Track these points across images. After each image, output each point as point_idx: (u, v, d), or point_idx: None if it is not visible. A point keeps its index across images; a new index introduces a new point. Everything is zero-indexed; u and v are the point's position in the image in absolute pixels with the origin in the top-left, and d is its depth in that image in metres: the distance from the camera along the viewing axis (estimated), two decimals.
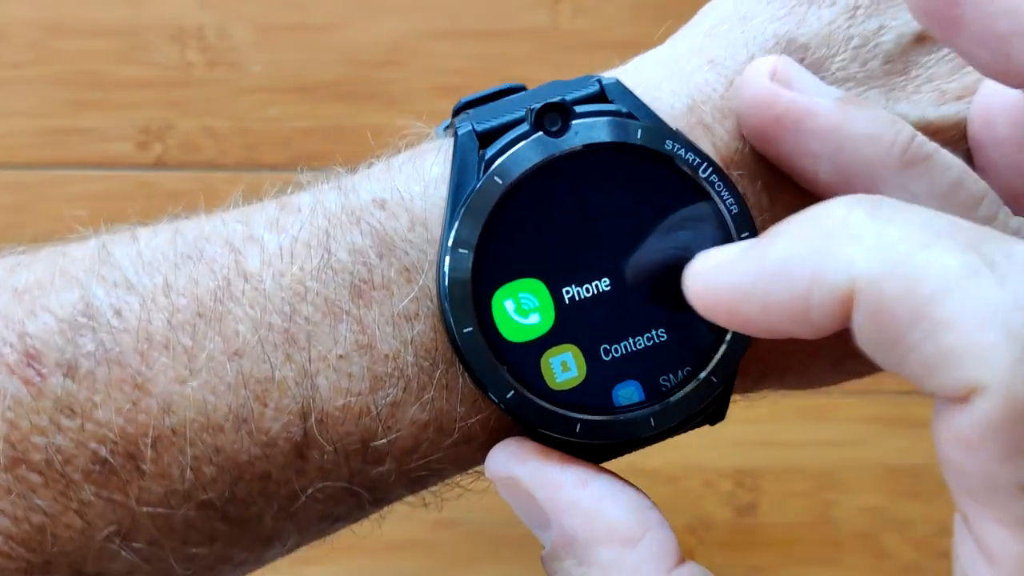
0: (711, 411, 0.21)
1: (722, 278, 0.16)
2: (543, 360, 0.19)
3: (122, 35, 0.63)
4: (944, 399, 0.14)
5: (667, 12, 0.64)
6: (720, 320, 0.16)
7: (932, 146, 0.19)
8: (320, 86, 0.63)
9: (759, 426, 0.57)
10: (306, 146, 0.63)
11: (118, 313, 0.19)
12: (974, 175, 0.19)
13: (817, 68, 0.22)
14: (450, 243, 0.19)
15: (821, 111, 0.19)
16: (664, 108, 0.22)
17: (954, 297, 0.13)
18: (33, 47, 0.63)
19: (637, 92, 0.22)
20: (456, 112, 0.22)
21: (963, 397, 0.13)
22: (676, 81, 0.22)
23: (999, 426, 0.13)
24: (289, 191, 0.22)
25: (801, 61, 0.22)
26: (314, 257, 0.20)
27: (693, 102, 0.22)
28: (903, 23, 0.22)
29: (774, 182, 0.21)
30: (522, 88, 0.22)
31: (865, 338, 0.14)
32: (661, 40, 0.25)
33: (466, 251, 0.19)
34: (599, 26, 0.64)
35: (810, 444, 0.63)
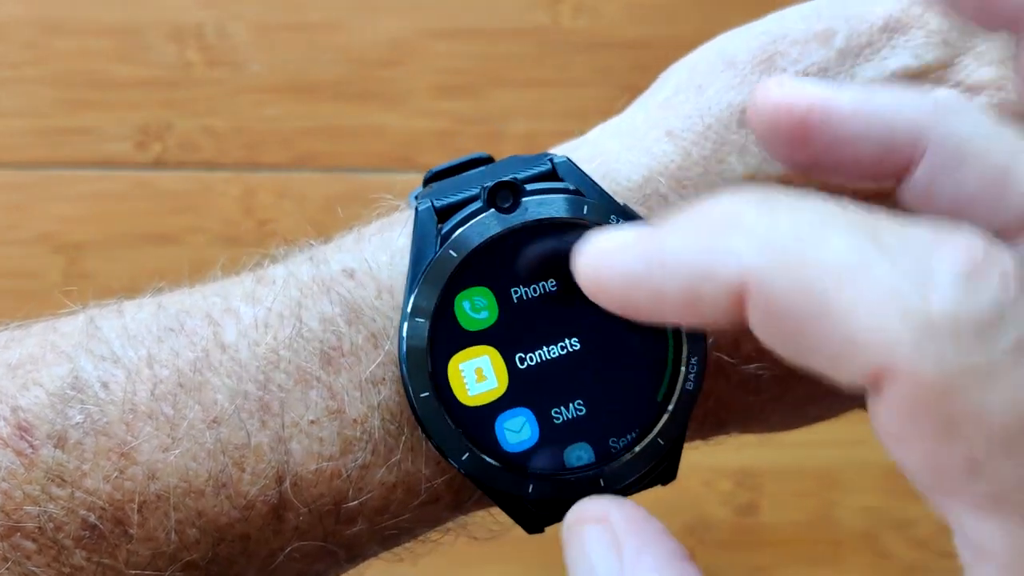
0: (661, 470, 0.22)
1: (613, 263, 0.16)
2: (497, 423, 0.20)
3: (121, 34, 0.63)
4: (855, 389, 0.13)
5: (667, 12, 0.65)
6: (609, 305, 0.16)
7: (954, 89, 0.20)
8: (320, 86, 0.63)
9: None
10: (305, 146, 0.63)
11: (105, 386, 0.20)
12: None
13: None
14: (408, 311, 0.20)
15: (844, 94, 0.19)
16: (621, 179, 0.22)
17: (847, 284, 0.13)
18: (32, 47, 0.63)
19: (596, 163, 0.23)
20: (427, 180, 0.23)
21: (874, 385, 0.13)
22: (634, 152, 0.23)
23: (917, 409, 0.13)
24: (266, 264, 0.23)
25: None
26: (287, 327, 0.21)
27: (650, 173, 0.22)
28: None
29: None
30: (488, 158, 0.23)
31: (763, 333, 0.14)
32: (620, 111, 0.25)
33: (423, 319, 0.20)
34: (599, 26, 0.64)
35: (810, 444, 0.63)
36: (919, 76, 0.22)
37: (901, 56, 0.23)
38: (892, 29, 0.23)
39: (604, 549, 0.18)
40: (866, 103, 0.18)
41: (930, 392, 0.12)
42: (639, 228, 0.16)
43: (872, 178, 0.19)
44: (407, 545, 0.23)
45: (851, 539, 0.62)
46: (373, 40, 0.64)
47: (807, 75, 0.23)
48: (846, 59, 0.23)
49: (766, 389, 0.23)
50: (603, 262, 0.16)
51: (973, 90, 0.23)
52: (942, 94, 0.19)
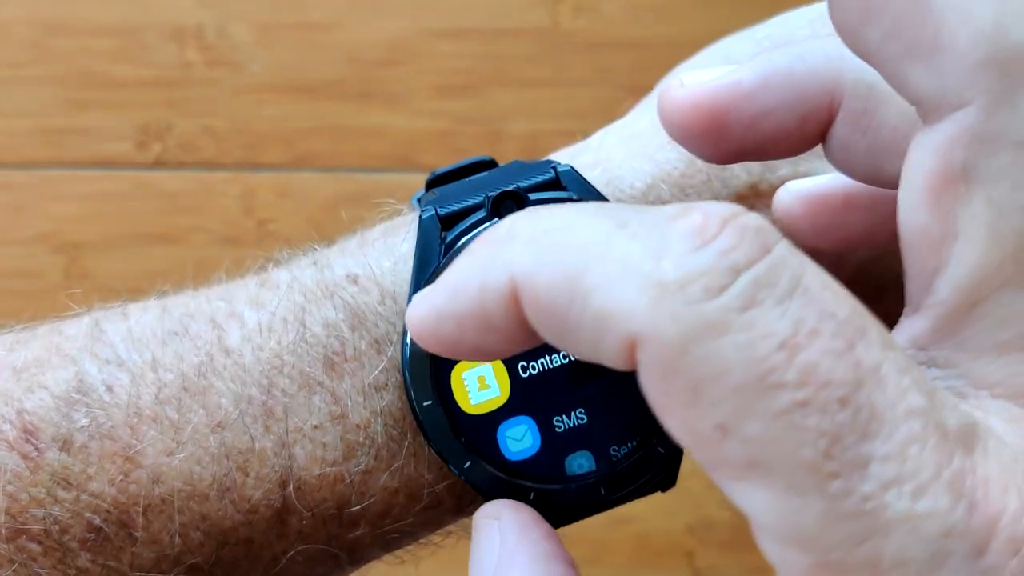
0: (661, 478, 0.22)
1: (424, 306, 0.16)
2: (499, 431, 0.21)
3: (121, 35, 0.63)
4: (624, 367, 0.14)
5: (667, 13, 0.65)
6: (432, 347, 0.17)
7: None
8: (320, 86, 0.63)
9: None
10: (305, 146, 0.63)
11: (110, 389, 0.20)
12: None
13: None
14: None
15: (744, 70, 0.19)
16: (624, 186, 0.23)
17: (593, 265, 0.14)
18: (32, 47, 0.63)
19: (599, 170, 0.23)
20: (429, 183, 0.24)
21: (630, 357, 0.13)
22: (638, 159, 0.23)
23: (664, 372, 0.13)
24: (270, 268, 0.23)
25: None
26: (290, 332, 0.21)
27: (653, 180, 0.23)
28: None
29: None
30: (491, 162, 0.24)
31: (542, 332, 0.15)
32: (620, 111, 0.26)
33: None
34: (599, 26, 0.64)
35: None
36: None
37: None
38: None
39: (491, 542, 0.18)
40: (770, 72, 0.18)
41: (670, 351, 0.13)
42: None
43: (802, 144, 0.19)
44: (409, 547, 0.23)
45: None
46: (373, 40, 0.64)
47: None
48: None
49: None
50: (417, 311, 0.16)
51: None
52: None
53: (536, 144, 0.63)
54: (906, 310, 0.15)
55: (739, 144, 0.19)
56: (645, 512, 0.59)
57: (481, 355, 0.16)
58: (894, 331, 0.15)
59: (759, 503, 0.13)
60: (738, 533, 0.62)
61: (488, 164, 0.23)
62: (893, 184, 0.16)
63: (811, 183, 0.21)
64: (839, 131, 0.18)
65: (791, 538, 0.12)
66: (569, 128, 0.71)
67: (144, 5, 0.63)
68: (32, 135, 0.62)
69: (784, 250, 0.13)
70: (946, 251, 0.14)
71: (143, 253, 0.62)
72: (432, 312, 0.16)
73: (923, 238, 0.15)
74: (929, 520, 0.12)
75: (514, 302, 0.15)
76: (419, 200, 0.23)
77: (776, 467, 0.12)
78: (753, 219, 0.13)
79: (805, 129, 0.18)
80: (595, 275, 0.13)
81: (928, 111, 0.14)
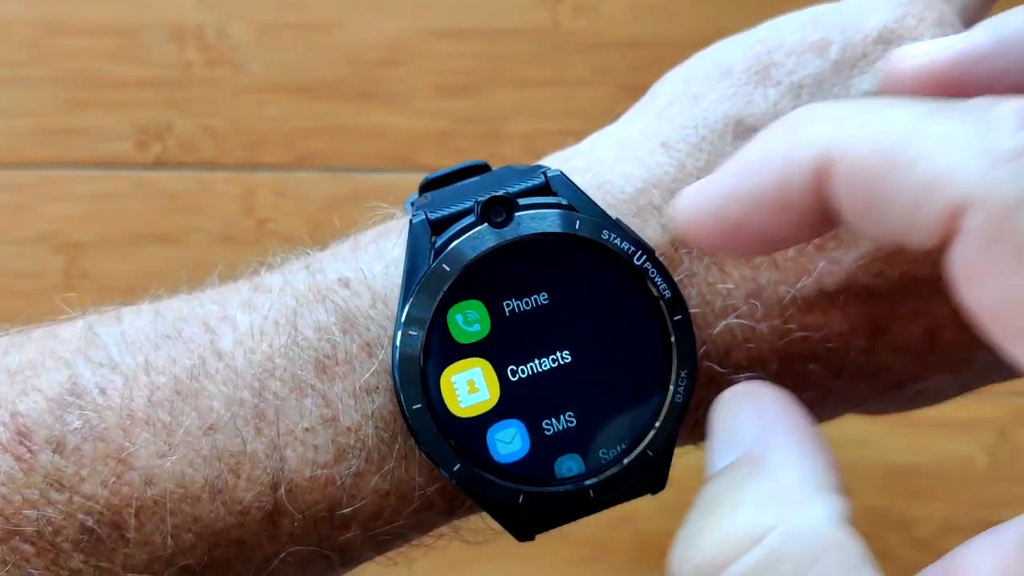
0: (650, 481, 0.22)
1: (705, 190, 0.17)
2: (488, 434, 0.21)
3: (121, 34, 0.63)
4: (935, 241, 0.14)
5: (667, 12, 0.65)
6: (706, 234, 0.17)
7: None
8: (320, 86, 0.63)
9: None
10: (306, 146, 0.63)
11: (103, 391, 0.21)
12: None
13: None
14: (402, 323, 0.21)
15: (977, 37, 0.19)
16: (615, 191, 0.23)
17: (916, 137, 0.14)
18: (32, 46, 0.62)
19: (590, 174, 0.23)
20: (423, 187, 0.24)
21: (952, 226, 0.14)
22: (629, 164, 0.23)
23: (992, 235, 0.13)
24: (263, 272, 0.23)
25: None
26: (282, 335, 0.21)
27: (644, 185, 0.23)
28: None
29: (724, 257, 0.23)
30: (484, 166, 0.24)
31: (847, 206, 0.15)
32: (620, 111, 0.26)
33: (416, 331, 0.21)
34: (599, 26, 0.64)
35: None
36: None
37: None
38: (887, 40, 0.23)
39: (752, 416, 0.18)
40: (1005, 33, 0.19)
41: (1004, 214, 0.13)
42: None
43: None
44: (401, 549, 0.23)
45: None
46: (373, 40, 0.64)
47: (803, 86, 0.23)
48: (841, 70, 0.23)
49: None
50: (696, 195, 0.16)
51: None
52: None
53: (536, 144, 0.63)
54: None
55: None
56: (645, 512, 0.59)
57: (759, 244, 0.17)
58: None
59: None
60: None
61: (481, 168, 0.24)
62: None
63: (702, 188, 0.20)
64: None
65: None
66: (569, 128, 0.71)
67: (144, 5, 0.63)
68: (32, 135, 0.62)
69: None
70: None
71: (143, 253, 0.62)
72: (716, 194, 0.16)
73: None
74: None
75: (821, 176, 0.15)
76: (412, 203, 0.24)
77: None
78: None
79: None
80: (920, 145, 0.14)
81: None
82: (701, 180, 0.17)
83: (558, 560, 0.60)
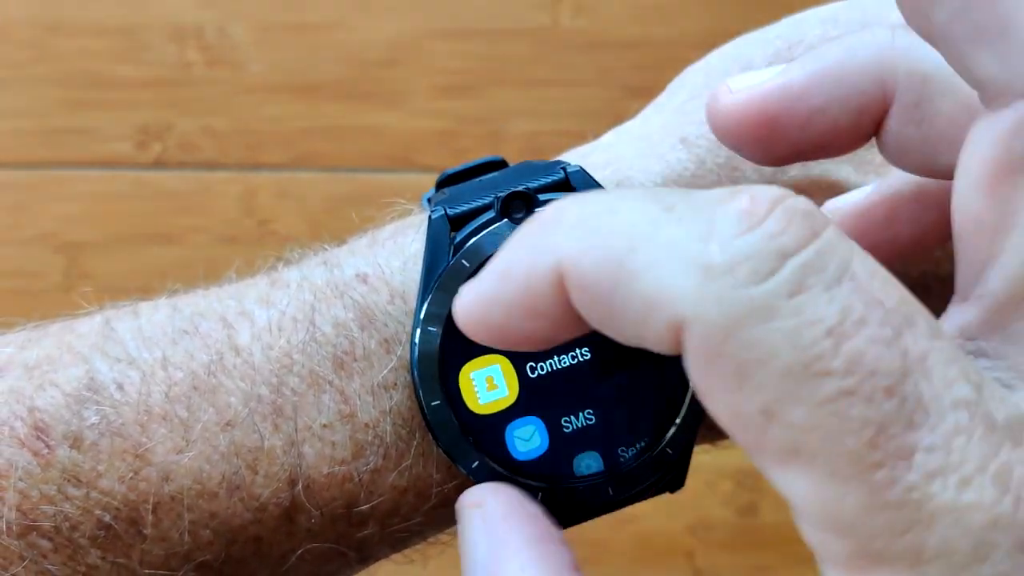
0: (669, 479, 0.22)
1: (473, 295, 0.16)
2: (507, 432, 0.21)
3: (121, 34, 0.63)
4: (669, 351, 0.14)
5: (667, 12, 0.65)
6: (481, 337, 0.17)
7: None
8: (320, 86, 0.63)
9: None
10: (306, 145, 0.63)
11: (120, 387, 0.20)
12: None
13: None
14: (421, 319, 0.20)
15: (794, 69, 0.19)
16: (634, 186, 0.23)
17: (638, 249, 0.14)
18: (32, 47, 0.63)
19: (609, 170, 0.23)
20: (440, 183, 0.23)
21: (676, 341, 0.13)
22: (648, 159, 0.23)
23: (709, 355, 0.13)
24: (280, 267, 0.23)
25: None
26: (300, 331, 0.21)
27: (664, 180, 0.23)
28: None
29: None
30: (501, 162, 0.24)
31: (587, 316, 0.15)
32: (620, 111, 0.26)
33: (435, 328, 0.20)
34: (599, 26, 0.64)
35: None
36: None
37: None
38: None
39: (479, 531, 0.18)
40: (820, 69, 0.18)
41: (716, 334, 0.13)
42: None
43: (857, 140, 0.18)
44: (418, 546, 0.23)
45: None
46: (373, 40, 0.64)
47: None
48: None
49: None
50: (467, 301, 0.16)
51: None
52: (899, 25, 0.18)
53: (537, 144, 0.63)
54: (954, 299, 0.15)
55: (793, 145, 0.19)
56: (646, 512, 0.59)
57: (529, 343, 0.16)
58: (942, 319, 0.15)
59: (801, 489, 0.13)
60: (738, 533, 0.62)
61: (499, 164, 0.23)
62: (949, 176, 0.16)
63: (850, 200, 0.20)
64: (893, 124, 0.18)
65: (832, 525, 0.12)
66: (570, 128, 0.71)
67: (144, 5, 0.63)
68: (32, 135, 0.62)
69: (832, 235, 0.13)
70: (1000, 241, 0.14)
71: (143, 253, 0.62)
72: (480, 299, 0.16)
73: (977, 227, 0.14)
74: (974, 511, 0.12)
75: (560, 287, 0.15)
76: (429, 200, 0.23)
77: (820, 454, 0.12)
78: (802, 202, 0.13)
79: (860, 124, 0.18)
80: (641, 258, 0.13)
81: (991, 97, 0.14)
82: (473, 280, 0.17)
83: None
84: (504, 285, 0.16)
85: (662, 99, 0.25)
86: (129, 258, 0.62)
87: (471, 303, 0.16)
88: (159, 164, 0.62)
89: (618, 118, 0.27)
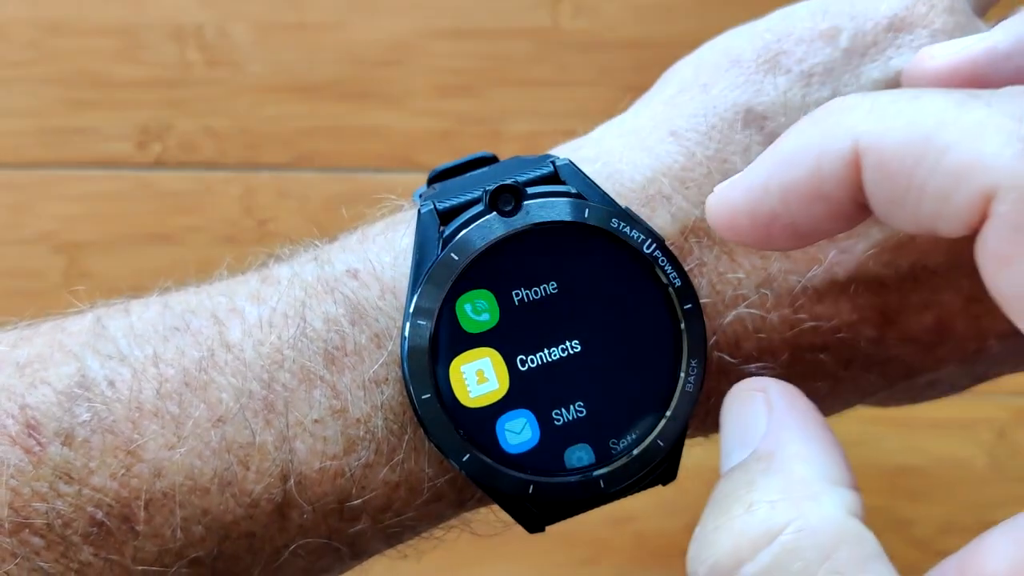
0: (661, 471, 0.22)
1: (738, 186, 0.17)
2: (498, 425, 0.21)
3: (121, 34, 0.63)
4: (968, 226, 0.14)
5: (667, 12, 0.65)
6: (741, 230, 0.17)
7: None
8: (320, 86, 0.63)
9: None
10: (306, 145, 0.63)
11: (112, 384, 0.21)
12: None
13: (775, 136, 0.22)
14: (410, 313, 0.20)
15: (998, 37, 0.19)
16: (624, 180, 0.23)
17: (948, 125, 0.14)
18: (32, 46, 0.63)
19: (599, 164, 0.23)
20: (431, 179, 0.24)
21: (983, 212, 0.14)
22: (638, 153, 0.23)
23: (1020, 225, 0.13)
24: (271, 263, 0.23)
25: (760, 130, 0.23)
26: (291, 326, 0.21)
27: (654, 174, 0.23)
28: (856, 88, 0.23)
29: (734, 247, 0.23)
30: (492, 158, 0.24)
31: (877, 196, 0.15)
32: (621, 111, 0.26)
33: (425, 321, 0.20)
34: (599, 26, 0.64)
35: None
36: None
37: (906, 56, 0.23)
38: (897, 28, 0.23)
39: (760, 413, 0.18)
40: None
41: None
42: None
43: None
44: (411, 542, 0.23)
45: None
46: (373, 40, 0.64)
47: (813, 74, 0.23)
48: (852, 58, 0.23)
49: None
50: (729, 192, 0.17)
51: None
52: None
53: (536, 144, 0.63)
54: None
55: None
56: (645, 512, 0.59)
57: (792, 237, 0.17)
58: None
59: None
60: None
61: (489, 160, 0.23)
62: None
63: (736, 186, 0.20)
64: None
65: None
66: (570, 128, 0.71)
67: (144, 5, 0.63)
68: (32, 135, 0.62)
69: None
70: None
71: (143, 253, 0.62)
72: (751, 187, 0.16)
73: None
74: None
75: (854, 166, 0.15)
76: (421, 195, 0.23)
77: None
78: None
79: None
80: (952, 133, 0.14)
81: None
82: (733, 176, 0.17)
83: (558, 561, 0.60)
84: (786, 169, 0.16)
85: (651, 93, 0.25)
86: (129, 258, 0.62)
87: (736, 194, 0.17)
88: (159, 164, 0.62)
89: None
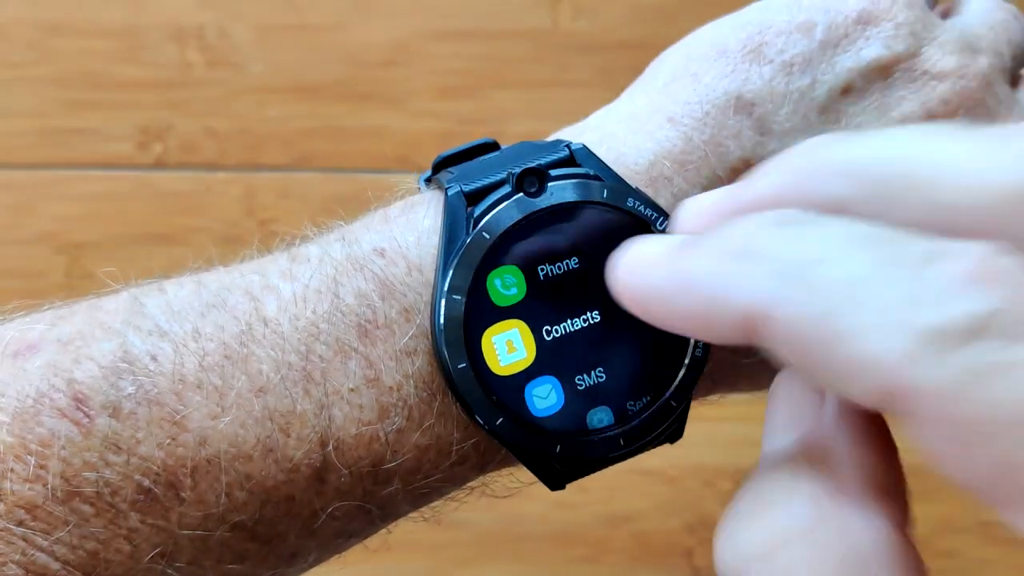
0: (671, 430, 0.24)
1: (642, 276, 0.17)
2: (526, 391, 0.22)
3: (122, 35, 0.63)
4: (881, 409, 0.14)
5: (666, 13, 0.65)
6: (638, 313, 0.17)
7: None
8: (320, 86, 0.63)
9: (759, 425, 0.57)
10: (306, 146, 0.63)
11: (154, 358, 0.21)
12: None
13: (764, 122, 0.25)
14: (445, 289, 0.22)
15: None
16: (629, 163, 0.24)
17: (848, 306, 0.13)
18: (33, 47, 0.63)
19: (604, 148, 0.24)
20: (436, 166, 0.25)
21: (888, 405, 0.13)
22: (639, 137, 0.25)
23: (937, 423, 0.13)
24: (297, 243, 0.24)
25: (749, 116, 0.25)
26: (324, 302, 0.22)
27: (655, 157, 0.24)
28: (832, 77, 0.25)
29: None
30: (494, 144, 0.25)
31: (779, 354, 0.15)
32: (619, 93, 0.27)
33: (459, 296, 0.22)
34: (599, 26, 0.65)
35: None
36: (890, 65, 0.25)
37: (874, 47, 0.25)
38: (865, 21, 0.25)
39: (813, 396, 0.18)
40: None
41: (942, 401, 0.12)
42: (670, 241, 0.17)
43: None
44: (434, 504, 0.25)
45: None
46: (373, 41, 0.64)
47: (793, 64, 0.25)
48: (827, 49, 0.25)
49: (757, 353, 0.24)
50: (634, 276, 0.17)
51: (938, 78, 0.25)
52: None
53: None
54: None
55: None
56: (644, 511, 0.59)
57: (674, 331, 0.17)
58: None
59: None
60: None
61: (492, 146, 0.25)
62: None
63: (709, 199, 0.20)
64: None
65: None
66: None
67: (144, 5, 0.63)
68: (32, 135, 0.62)
69: None
70: None
71: (144, 253, 0.62)
72: (651, 289, 0.16)
73: None
74: None
75: (748, 326, 0.15)
76: (427, 180, 0.25)
77: None
78: (1008, 260, 0.13)
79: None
80: (851, 320, 0.13)
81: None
82: (646, 251, 0.17)
83: (558, 560, 0.60)
84: (681, 294, 0.16)
85: (643, 80, 0.27)
86: (130, 258, 0.62)
87: (641, 288, 0.16)
88: (160, 165, 0.63)
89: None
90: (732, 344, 0.15)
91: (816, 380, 0.14)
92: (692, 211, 0.19)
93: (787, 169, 0.17)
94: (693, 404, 0.25)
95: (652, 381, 0.23)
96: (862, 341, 0.13)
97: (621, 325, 0.23)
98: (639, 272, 0.17)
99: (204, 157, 0.63)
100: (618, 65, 0.64)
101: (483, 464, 0.24)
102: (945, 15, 0.27)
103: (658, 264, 0.16)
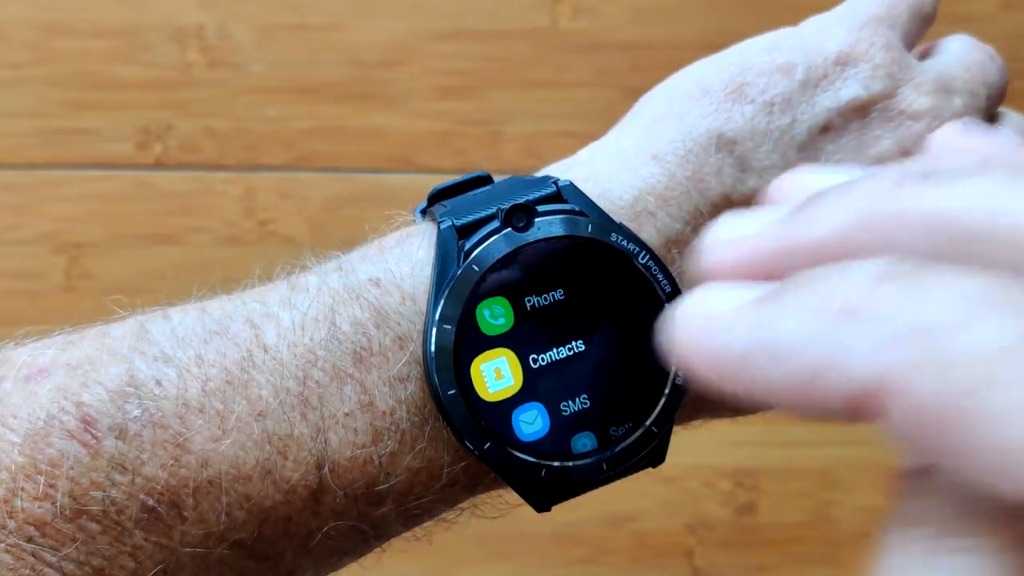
0: (653, 455, 0.24)
1: (717, 339, 0.14)
2: (513, 416, 0.23)
3: (122, 35, 0.63)
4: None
5: (666, 14, 0.65)
6: (711, 380, 0.14)
7: None
8: (320, 86, 0.63)
9: (758, 426, 0.57)
10: (306, 146, 0.63)
11: (159, 383, 0.22)
12: None
13: (744, 160, 0.25)
14: (436, 319, 0.23)
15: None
16: (614, 198, 0.25)
17: (999, 384, 0.11)
18: (33, 47, 0.63)
19: (590, 184, 0.25)
20: (431, 198, 0.26)
21: None
22: (624, 174, 0.26)
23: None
24: (297, 272, 0.25)
25: (730, 154, 0.25)
26: (322, 329, 0.23)
27: (639, 193, 0.25)
28: (812, 116, 0.26)
29: None
30: (487, 177, 0.26)
31: (902, 435, 0.12)
32: (620, 112, 0.28)
33: (450, 326, 0.23)
34: (599, 26, 0.65)
35: (809, 444, 0.63)
36: (868, 105, 0.26)
37: (852, 87, 0.26)
38: (844, 62, 0.26)
39: None
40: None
41: None
42: (741, 295, 0.14)
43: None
44: (426, 525, 0.25)
45: (850, 539, 0.62)
46: (374, 41, 0.64)
47: (774, 103, 0.26)
48: (807, 89, 0.26)
49: None
50: (707, 337, 0.14)
51: (914, 118, 0.26)
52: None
53: (536, 145, 0.64)
54: None
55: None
56: (644, 511, 0.59)
57: (755, 402, 0.14)
58: None
59: None
60: (737, 532, 0.62)
61: (486, 179, 0.26)
62: None
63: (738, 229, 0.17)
64: None
65: None
66: (569, 129, 0.71)
67: (144, 6, 0.63)
68: (32, 135, 0.62)
69: None
70: None
71: (144, 253, 0.62)
72: (725, 351, 0.14)
73: None
74: None
75: (863, 399, 0.12)
76: (422, 212, 0.26)
77: None
78: None
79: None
80: (1000, 398, 0.11)
81: None
82: (720, 303, 0.14)
83: (558, 560, 0.60)
84: (774, 360, 0.13)
85: (630, 118, 0.28)
86: (130, 258, 0.62)
87: (709, 348, 0.14)
88: (160, 165, 0.63)
89: (617, 119, 0.28)
90: (832, 419, 0.13)
91: (951, 470, 0.12)
92: (729, 249, 0.16)
93: (853, 210, 0.14)
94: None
95: (635, 407, 0.24)
96: (1016, 428, 0.11)
97: (604, 353, 0.24)
98: (711, 333, 0.14)
99: (204, 157, 0.63)
100: (618, 65, 0.64)
101: (473, 486, 0.25)
102: (923, 57, 0.28)
103: (736, 323, 0.14)
